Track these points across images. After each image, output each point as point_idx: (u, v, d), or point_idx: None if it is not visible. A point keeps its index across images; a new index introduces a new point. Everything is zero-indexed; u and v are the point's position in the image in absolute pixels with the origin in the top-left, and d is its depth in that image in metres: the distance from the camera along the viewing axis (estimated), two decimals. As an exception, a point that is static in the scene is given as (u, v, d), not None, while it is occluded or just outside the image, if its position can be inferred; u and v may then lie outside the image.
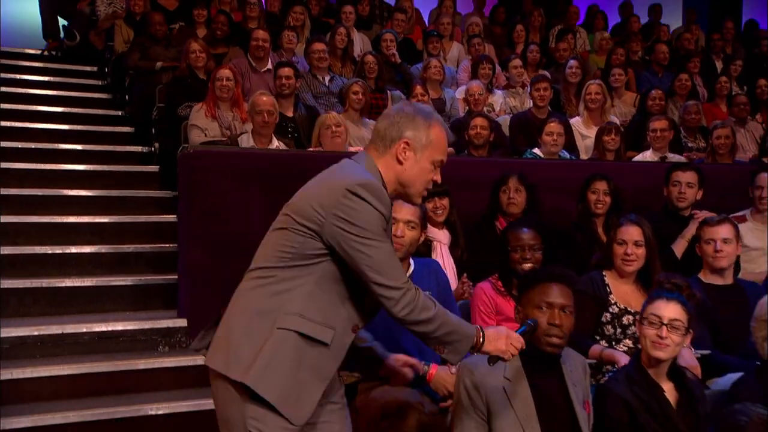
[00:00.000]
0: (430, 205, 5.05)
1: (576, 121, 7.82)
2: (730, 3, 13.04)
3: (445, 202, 5.10)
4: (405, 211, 3.93)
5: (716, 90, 9.10)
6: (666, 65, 9.84)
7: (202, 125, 6.59)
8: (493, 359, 2.90)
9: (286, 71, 7.00)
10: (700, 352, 4.34)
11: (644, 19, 12.18)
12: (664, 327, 3.47)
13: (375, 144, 2.84)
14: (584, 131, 7.65)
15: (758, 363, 3.75)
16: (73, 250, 5.94)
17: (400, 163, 2.78)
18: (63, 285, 5.54)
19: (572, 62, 8.80)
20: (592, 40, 10.98)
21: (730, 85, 9.13)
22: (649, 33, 11.50)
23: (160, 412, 4.62)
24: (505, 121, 7.97)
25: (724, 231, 4.63)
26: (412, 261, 4.24)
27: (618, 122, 7.72)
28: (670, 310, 3.50)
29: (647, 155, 7.07)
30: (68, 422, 4.37)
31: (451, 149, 7.07)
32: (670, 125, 7.17)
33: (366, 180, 2.68)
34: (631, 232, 4.50)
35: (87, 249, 5.99)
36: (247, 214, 5.24)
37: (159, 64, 7.97)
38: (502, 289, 4.31)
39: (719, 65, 10.46)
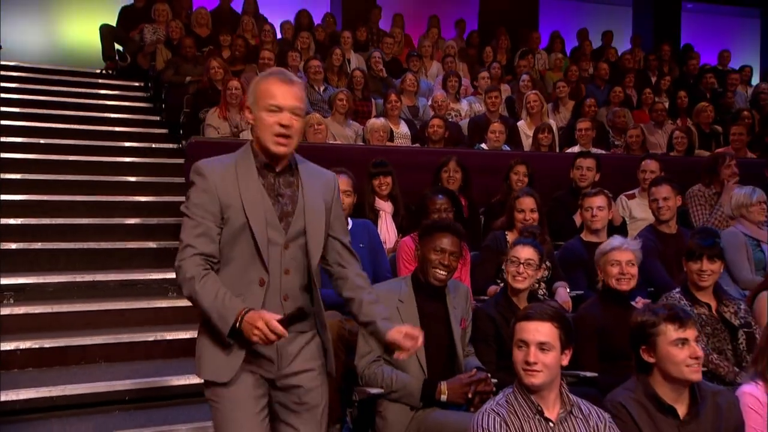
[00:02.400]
0: (376, 182, 5.46)
1: (521, 124, 8.20)
2: (670, 30, 13.30)
3: (389, 179, 5.47)
4: (342, 182, 4.34)
5: (643, 100, 9.43)
6: (607, 80, 10.16)
7: (216, 125, 7.07)
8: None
9: (284, 82, 7.45)
10: (575, 292, 4.76)
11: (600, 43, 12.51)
12: (521, 265, 3.90)
13: None
14: (527, 132, 8.00)
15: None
16: (112, 221, 6.44)
17: (253, 126, 2.67)
18: (99, 247, 6.04)
19: (524, 76, 9.21)
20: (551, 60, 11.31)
21: (654, 96, 9.42)
22: (601, 54, 11.79)
23: (168, 338, 5.02)
24: (466, 123, 8.38)
25: (599, 201, 5.02)
26: (350, 220, 4.67)
27: (554, 124, 8.08)
28: (525, 252, 3.94)
29: (575, 149, 7.42)
30: (92, 343, 4.82)
31: (418, 144, 7.56)
32: (593, 126, 7.54)
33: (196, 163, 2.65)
34: (527, 202, 4.93)
35: (123, 221, 6.49)
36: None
37: (188, 78, 8.43)
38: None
39: (654, 80, 10.75)
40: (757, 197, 5.24)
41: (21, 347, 4.66)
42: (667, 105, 9.29)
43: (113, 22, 10.35)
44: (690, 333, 2.83)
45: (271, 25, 9.85)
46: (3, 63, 9.68)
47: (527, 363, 2.72)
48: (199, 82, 8.12)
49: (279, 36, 10.20)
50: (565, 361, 2.80)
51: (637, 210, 6.01)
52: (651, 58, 11.24)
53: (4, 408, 4.15)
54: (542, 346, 2.73)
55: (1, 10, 10.48)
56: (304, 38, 9.66)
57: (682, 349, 2.81)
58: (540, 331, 2.74)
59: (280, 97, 2.60)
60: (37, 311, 5.01)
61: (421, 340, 2.69)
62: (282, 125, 2.59)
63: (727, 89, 10.25)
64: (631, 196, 6.14)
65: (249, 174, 2.65)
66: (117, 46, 10.21)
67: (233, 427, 2.61)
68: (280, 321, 2.45)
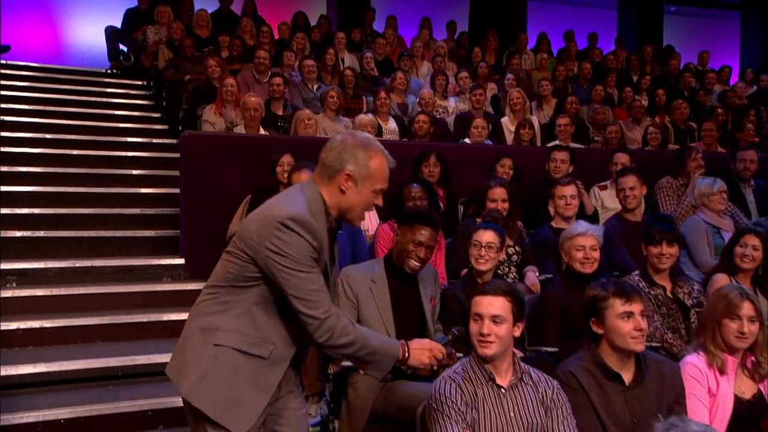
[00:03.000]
0: (360, 174, 5.57)
1: (505, 120, 8.30)
2: (653, 32, 13.40)
3: (372, 171, 5.59)
4: (306, 175, 4.43)
5: (623, 98, 9.53)
6: (590, 79, 10.26)
7: (212, 120, 7.18)
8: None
9: (277, 80, 7.58)
10: (544, 276, 4.87)
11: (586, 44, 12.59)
12: (483, 248, 4.02)
13: (320, 173, 2.55)
14: (510, 127, 8.10)
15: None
16: (112, 211, 6.53)
17: (343, 192, 2.51)
18: (99, 236, 6.12)
19: (509, 75, 9.32)
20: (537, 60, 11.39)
21: (633, 94, 9.52)
22: (586, 55, 11.86)
23: (162, 319, 5.14)
24: (453, 120, 8.49)
25: (570, 190, 5.14)
26: (331, 209, 4.79)
27: (536, 121, 8.19)
28: (486, 236, 4.06)
29: (555, 144, 7.53)
30: (90, 324, 4.96)
31: (406, 139, 7.66)
32: (572, 121, 7.65)
33: (298, 214, 2.41)
34: (499, 192, 5.05)
35: (123, 211, 6.57)
36: (227, 181, 5.84)
37: (187, 77, 8.53)
38: (396, 228, 4.82)
39: (635, 79, 10.83)
40: (718, 187, 5.36)
41: (22, 327, 4.79)
42: (646, 103, 9.38)
43: (118, 24, 10.48)
44: (635, 307, 2.96)
45: (269, 27, 9.96)
46: (12, 63, 9.82)
47: (482, 335, 2.84)
48: (198, 80, 8.22)
49: (276, 37, 10.33)
50: (517, 333, 2.92)
51: (609, 200, 6.11)
52: (633, 58, 11.32)
53: (5, 382, 4.28)
54: (495, 319, 2.84)
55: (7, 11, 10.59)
56: (300, 39, 9.77)
57: (627, 322, 2.95)
58: (494, 305, 2.86)
59: (386, 183, 2.58)
60: (38, 294, 5.15)
61: None
62: (376, 205, 2.63)
63: (704, 88, 10.35)
64: (603, 187, 6.25)
65: (325, 233, 2.52)
66: (122, 47, 10.33)
67: None
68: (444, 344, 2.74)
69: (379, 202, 2.60)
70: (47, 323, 4.88)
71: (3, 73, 9.20)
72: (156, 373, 4.58)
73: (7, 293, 5.05)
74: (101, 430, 4.07)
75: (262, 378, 2.50)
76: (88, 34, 11.62)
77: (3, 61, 9.74)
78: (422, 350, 2.61)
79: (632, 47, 12.58)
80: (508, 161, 6.12)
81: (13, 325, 4.77)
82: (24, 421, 3.95)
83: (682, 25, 15.05)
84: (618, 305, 2.97)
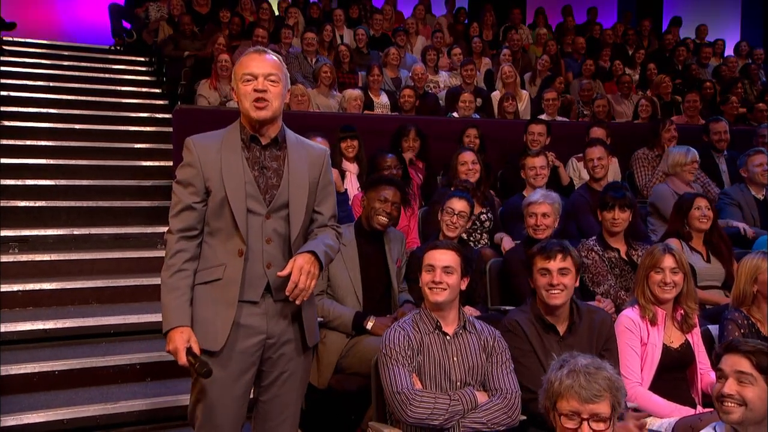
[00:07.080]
0: (343, 145, 5.86)
1: (495, 94, 8.53)
2: (652, 6, 13.51)
3: (355, 143, 5.85)
4: None
5: (613, 72, 9.73)
6: (584, 54, 10.45)
7: (206, 95, 7.49)
8: None
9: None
10: (514, 242, 5.13)
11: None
12: (455, 215, 4.31)
13: None
14: (500, 101, 8.36)
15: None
16: (110, 183, 6.85)
17: (239, 103, 2.75)
18: (97, 206, 6.43)
19: (504, 50, 9.53)
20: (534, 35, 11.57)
21: (624, 68, 9.71)
22: (585, 29, 12.01)
23: (155, 283, 5.36)
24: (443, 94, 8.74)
25: (539, 161, 5.41)
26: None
27: (526, 95, 8.43)
28: (460, 204, 4.34)
29: (543, 117, 7.76)
30: (85, 287, 5.29)
31: (397, 113, 7.93)
32: (558, 96, 7.88)
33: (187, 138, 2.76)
34: (468, 156, 5.34)
35: (121, 183, 6.89)
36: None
37: (186, 53, 8.84)
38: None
39: (630, 53, 10.99)
40: (691, 157, 5.60)
41: (22, 289, 5.13)
42: (637, 77, 9.57)
43: (121, 1, 10.77)
44: (552, 264, 3.28)
45: (269, 3, 10.21)
46: (18, 40, 10.13)
47: (434, 282, 3.16)
48: (196, 56, 8.49)
49: (277, 13, 10.58)
50: (463, 286, 3.24)
51: (585, 171, 6.35)
52: (630, 32, 11.47)
53: (5, 338, 4.64)
54: (446, 269, 3.17)
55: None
56: (293, 14, 10.02)
57: (544, 277, 3.29)
58: (445, 257, 3.20)
59: (253, 66, 2.68)
60: (38, 259, 5.48)
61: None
62: (257, 90, 2.65)
63: (699, 62, 10.53)
64: (581, 159, 6.48)
65: (233, 147, 2.71)
66: (125, 24, 10.62)
67: (213, 407, 2.73)
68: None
69: (258, 84, 2.66)
70: (46, 286, 5.20)
71: (9, 50, 9.54)
72: (146, 331, 4.93)
73: (9, 258, 5.39)
74: (92, 381, 4.42)
75: (226, 295, 2.69)
76: (92, 11, 11.90)
77: (9, 38, 10.05)
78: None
79: (635, 21, 12.70)
80: (474, 131, 6.39)
81: (14, 287, 5.11)
82: (22, 371, 4.31)
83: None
84: (538, 262, 3.32)
